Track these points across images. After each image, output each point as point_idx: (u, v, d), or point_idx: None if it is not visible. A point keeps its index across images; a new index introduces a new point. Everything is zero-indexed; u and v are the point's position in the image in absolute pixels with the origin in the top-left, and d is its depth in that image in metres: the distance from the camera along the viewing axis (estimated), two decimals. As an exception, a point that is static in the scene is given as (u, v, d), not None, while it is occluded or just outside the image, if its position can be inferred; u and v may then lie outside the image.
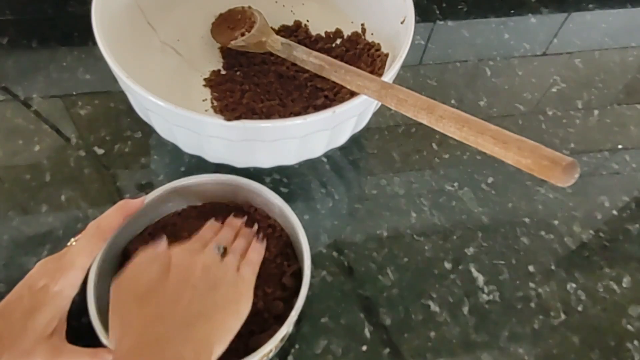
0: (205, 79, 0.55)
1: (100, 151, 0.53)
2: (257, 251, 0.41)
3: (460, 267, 0.49)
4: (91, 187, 0.51)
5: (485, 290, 0.48)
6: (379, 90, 0.39)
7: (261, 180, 0.47)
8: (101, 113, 0.56)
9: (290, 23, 0.59)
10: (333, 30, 0.58)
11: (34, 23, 0.64)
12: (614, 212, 0.54)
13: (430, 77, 0.63)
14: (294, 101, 0.52)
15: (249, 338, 0.39)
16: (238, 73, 0.55)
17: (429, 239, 0.51)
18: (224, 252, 0.39)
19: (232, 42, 0.53)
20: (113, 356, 0.32)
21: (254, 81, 0.54)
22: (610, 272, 0.50)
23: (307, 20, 0.59)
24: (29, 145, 0.53)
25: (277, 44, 0.50)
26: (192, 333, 0.33)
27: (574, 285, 0.49)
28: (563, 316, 0.47)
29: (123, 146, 0.54)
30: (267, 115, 0.49)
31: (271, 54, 0.53)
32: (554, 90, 0.64)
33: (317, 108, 0.48)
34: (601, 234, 0.53)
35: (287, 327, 0.38)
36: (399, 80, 0.47)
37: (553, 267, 0.50)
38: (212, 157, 0.47)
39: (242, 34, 0.53)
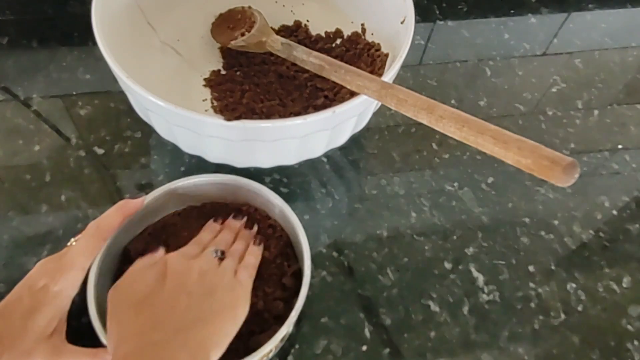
0: (205, 79, 0.55)
1: (100, 151, 0.53)
2: (254, 254, 0.41)
3: (460, 267, 0.49)
4: (91, 187, 0.51)
5: (485, 290, 0.48)
6: (379, 90, 0.39)
7: (261, 180, 0.47)
8: (101, 113, 0.56)
9: (290, 23, 0.59)
10: (333, 30, 0.58)
11: (34, 23, 0.64)
12: (614, 212, 0.54)
13: (430, 77, 0.63)
14: (294, 101, 0.52)
15: (249, 338, 0.39)
16: (238, 73, 0.55)
17: (429, 239, 0.51)
18: (223, 256, 0.39)
19: (232, 42, 0.53)
20: None
21: (254, 81, 0.54)
22: (610, 272, 0.50)
23: (307, 20, 0.59)
24: (29, 145, 0.53)
25: (277, 44, 0.50)
26: (189, 338, 0.33)
27: (574, 285, 0.49)
28: (563, 316, 0.47)
29: (123, 146, 0.54)
30: (267, 115, 0.49)
31: (271, 54, 0.53)
32: (554, 90, 0.64)
33: (317, 108, 0.48)
34: (601, 234, 0.53)
35: (287, 327, 0.38)
36: (399, 80, 0.47)
37: (553, 267, 0.50)
38: (212, 157, 0.47)
39: (242, 34, 0.53)
